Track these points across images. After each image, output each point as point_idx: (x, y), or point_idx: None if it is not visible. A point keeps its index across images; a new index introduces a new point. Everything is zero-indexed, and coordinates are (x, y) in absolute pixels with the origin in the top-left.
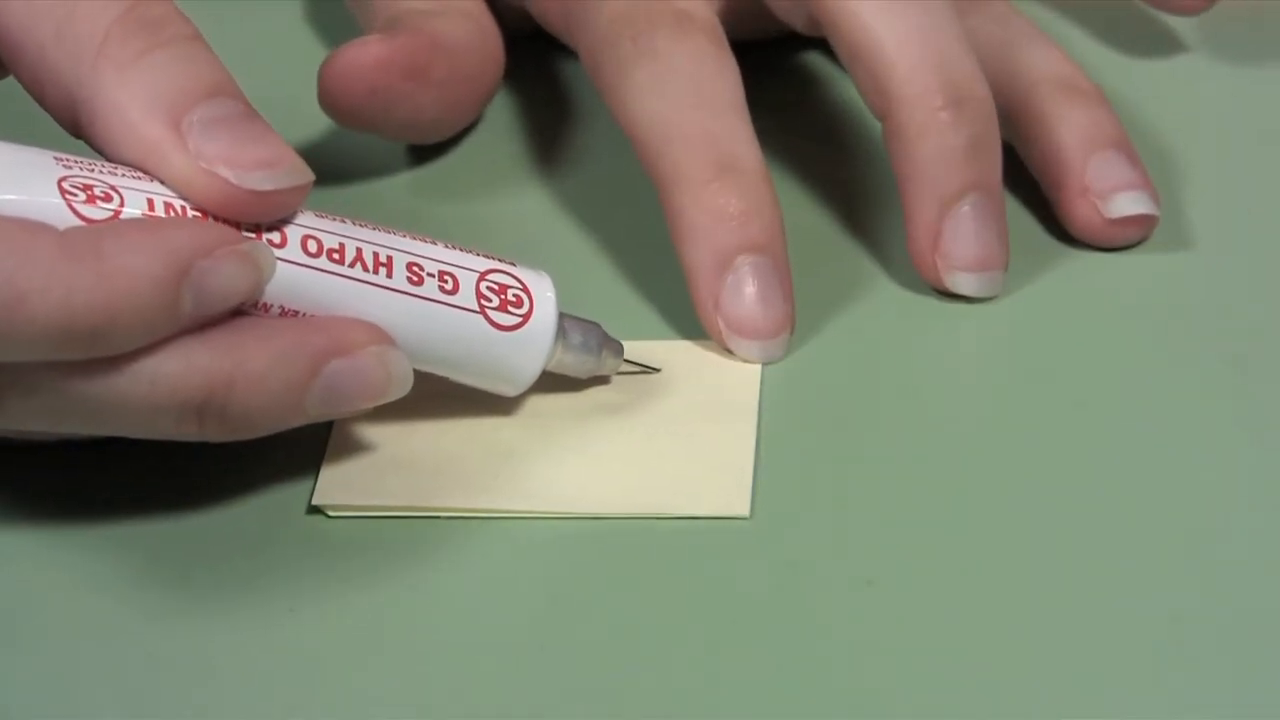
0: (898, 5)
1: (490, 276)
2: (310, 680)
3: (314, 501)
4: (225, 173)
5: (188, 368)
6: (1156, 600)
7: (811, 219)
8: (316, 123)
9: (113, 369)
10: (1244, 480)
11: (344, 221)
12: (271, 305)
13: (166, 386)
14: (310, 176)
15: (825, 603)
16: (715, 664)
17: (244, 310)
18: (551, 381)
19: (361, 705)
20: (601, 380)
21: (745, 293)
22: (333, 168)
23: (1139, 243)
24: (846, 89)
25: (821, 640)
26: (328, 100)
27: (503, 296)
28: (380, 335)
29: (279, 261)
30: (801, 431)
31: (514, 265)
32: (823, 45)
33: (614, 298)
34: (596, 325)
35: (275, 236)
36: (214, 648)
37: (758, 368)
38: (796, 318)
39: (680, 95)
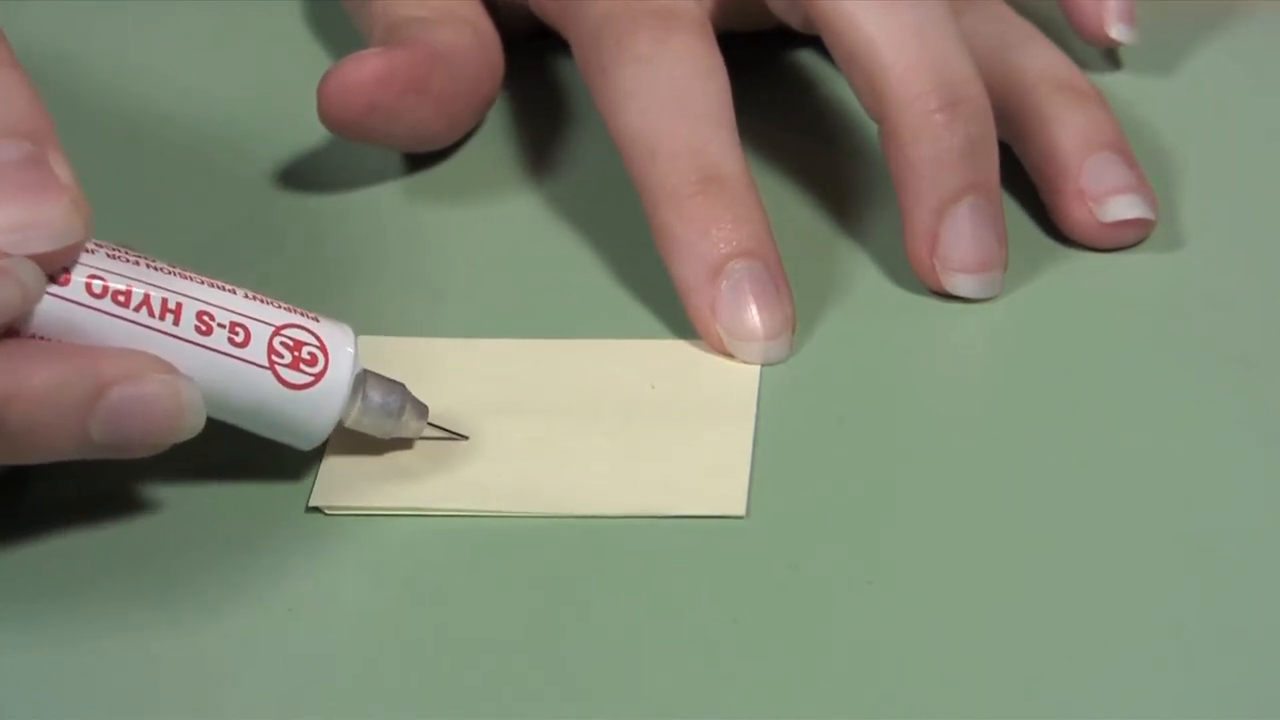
0: (893, 5)
1: (286, 331)
2: (310, 680)
3: (312, 503)
4: None
5: None
6: (1158, 601)
7: (809, 219)
8: (313, 125)
9: None
10: (1244, 480)
11: (138, 264)
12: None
13: None
14: (78, 236)
15: (823, 603)
16: (712, 664)
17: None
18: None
19: (361, 705)
20: (404, 444)
21: (740, 297)
22: (328, 172)
23: (1136, 244)
24: (843, 88)
25: (820, 640)
26: (327, 116)
27: (296, 354)
28: (170, 368)
29: (62, 301)
30: (799, 431)
31: (317, 320)
32: (819, 44)
33: (612, 299)
34: (401, 385)
35: (59, 275)
36: (213, 648)
37: (756, 367)
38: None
39: (661, 105)
